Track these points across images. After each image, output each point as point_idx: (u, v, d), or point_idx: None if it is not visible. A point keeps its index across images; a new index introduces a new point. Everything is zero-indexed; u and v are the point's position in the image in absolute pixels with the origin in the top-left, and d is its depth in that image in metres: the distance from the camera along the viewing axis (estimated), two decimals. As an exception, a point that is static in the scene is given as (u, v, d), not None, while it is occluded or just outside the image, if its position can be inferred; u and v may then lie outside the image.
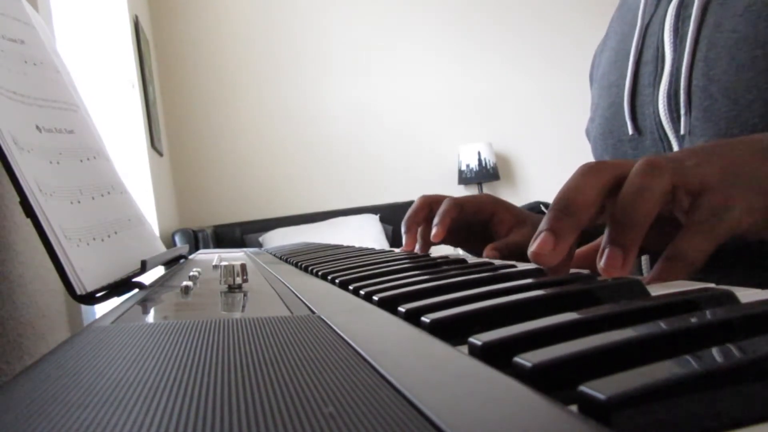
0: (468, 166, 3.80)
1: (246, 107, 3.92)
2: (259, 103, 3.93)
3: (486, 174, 3.78)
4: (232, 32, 3.93)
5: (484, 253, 0.61)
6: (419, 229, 0.69)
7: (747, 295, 0.26)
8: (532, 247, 0.37)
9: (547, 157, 3.93)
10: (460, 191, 3.89)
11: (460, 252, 0.85)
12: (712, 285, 0.29)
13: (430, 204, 0.69)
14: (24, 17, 0.64)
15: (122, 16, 2.86)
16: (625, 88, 0.66)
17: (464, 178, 3.82)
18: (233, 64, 3.92)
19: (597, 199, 0.37)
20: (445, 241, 0.66)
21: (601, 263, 0.35)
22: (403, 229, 0.69)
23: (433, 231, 0.63)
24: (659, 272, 0.35)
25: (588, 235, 0.45)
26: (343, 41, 3.99)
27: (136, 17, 3.10)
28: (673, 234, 0.36)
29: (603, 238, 0.36)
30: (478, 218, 0.67)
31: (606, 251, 0.35)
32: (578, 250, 0.46)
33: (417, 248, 0.68)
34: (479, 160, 3.78)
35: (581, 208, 0.36)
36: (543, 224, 0.37)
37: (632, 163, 0.37)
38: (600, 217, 0.39)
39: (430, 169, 3.97)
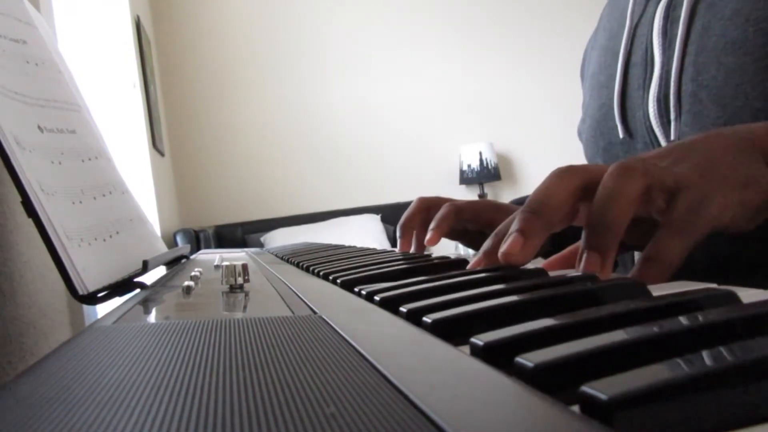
0: (469, 166, 3.80)
1: (247, 107, 3.92)
2: (260, 103, 3.93)
3: (487, 174, 3.78)
4: (233, 32, 3.93)
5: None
6: (414, 233, 0.68)
7: (749, 295, 0.26)
8: (502, 248, 0.38)
9: (549, 157, 3.92)
10: (462, 191, 3.89)
11: (461, 252, 0.85)
12: (714, 285, 0.29)
13: (428, 208, 0.68)
14: (26, 17, 0.64)
15: (124, 16, 2.86)
16: (615, 91, 0.64)
17: (465, 178, 3.82)
18: (235, 64, 3.92)
19: (567, 202, 0.38)
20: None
21: (580, 268, 0.36)
22: (398, 233, 0.68)
23: (428, 235, 0.62)
24: (638, 274, 0.36)
25: (564, 239, 0.46)
26: (345, 41, 3.99)
27: (138, 17, 3.10)
28: (655, 233, 0.37)
29: (581, 243, 0.37)
30: (476, 224, 0.66)
31: (584, 256, 0.36)
32: (557, 255, 0.47)
33: (411, 251, 0.68)
34: (480, 160, 3.78)
35: (551, 210, 0.38)
36: (514, 225, 0.38)
37: (606, 168, 0.38)
38: (573, 219, 0.40)
39: (432, 169, 3.97)
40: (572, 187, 0.38)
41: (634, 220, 0.36)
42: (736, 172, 0.38)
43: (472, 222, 0.66)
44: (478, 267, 0.43)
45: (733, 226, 0.38)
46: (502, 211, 0.66)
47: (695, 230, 0.36)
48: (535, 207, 0.38)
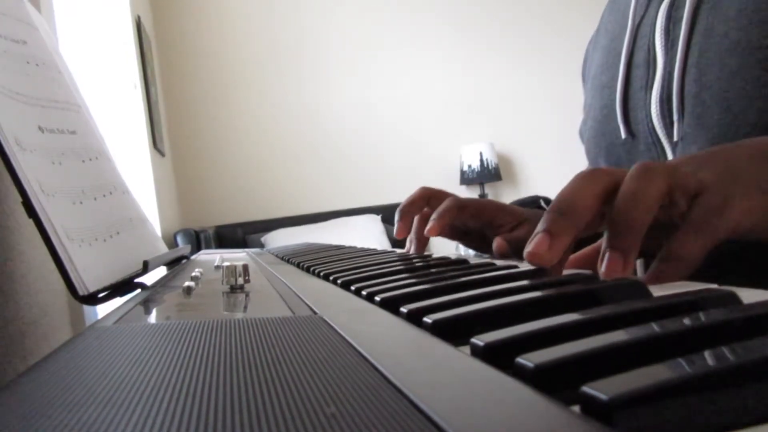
0: (470, 166, 3.80)
1: (248, 108, 3.92)
2: (261, 103, 3.93)
3: (488, 174, 3.78)
4: (234, 32, 3.93)
5: (494, 244, 0.60)
6: (414, 224, 0.68)
7: (749, 295, 0.26)
8: (528, 248, 0.37)
9: (549, 158, 3.93)
10: (462, 191, 3.89)
11: (461, 251, 0.85)
12: (715, 285, 0.29)
13: (429, 198, 0.68)
14: (26, 18, 0.65)
15: (124, 16, 2.86)
16: (617, 91, 0.64)
17: (466, 179, 3.82)
18: (235, 64, 3.92)
19: (594, 204, 0.38)
20: (441, 235, 0.64)
21: (602, 269, 0.36)
22: (396, 217, 0.68)
23: (429, 225, 0.61)
24: (655, 274, 0.35)
25: (585, 243, 0.46)
26: (346, 41, 3.99)
27: (138, 17, 3.10)
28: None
29: (602, 243, 0.36)
30: (478, 221, 0.65)
31: (606, 256, 0.35)
32: (577, 254, 0.47)
33: (409, 241, 0.68)
34: (481, 160, 3.78)
35: (578, 212, 0.37)
36: (540, 225, 0.38)
37: (628, 171, 0.38)
38: (600, 224, 0.40)
39: (432, 169, 3.97)
40: (598, 190, 0.38)
41: (653, 225, 0.36)
42: (760, 178, 0.38)
43: (473, 219, 0.65)
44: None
45: (756, 232, 0.37)
46: (506, 212, 0.65)
47: (715, 231, 0.35)
48: (562, 208, 0.37)
